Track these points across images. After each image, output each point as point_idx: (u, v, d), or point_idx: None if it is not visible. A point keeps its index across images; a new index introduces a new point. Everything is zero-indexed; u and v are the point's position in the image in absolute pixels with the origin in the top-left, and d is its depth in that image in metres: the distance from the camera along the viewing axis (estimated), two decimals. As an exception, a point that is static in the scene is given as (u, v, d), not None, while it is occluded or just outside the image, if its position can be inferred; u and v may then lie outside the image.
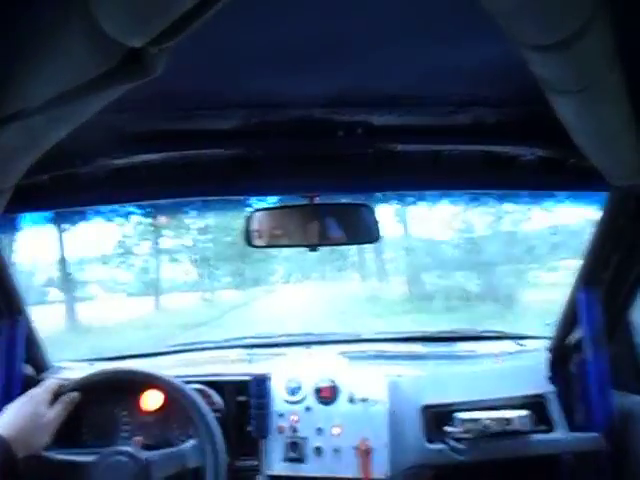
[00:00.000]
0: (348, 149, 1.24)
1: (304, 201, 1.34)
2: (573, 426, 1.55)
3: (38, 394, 1.33)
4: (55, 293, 12.40)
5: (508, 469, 1.54)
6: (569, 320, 1.57)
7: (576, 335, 1.56)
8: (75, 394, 1.39)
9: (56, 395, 1.36)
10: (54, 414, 1.32)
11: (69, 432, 1.51)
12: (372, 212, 1.35)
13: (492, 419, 1.49)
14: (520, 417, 1.50)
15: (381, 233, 1.38)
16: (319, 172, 1.26)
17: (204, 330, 9.39)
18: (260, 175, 1.27)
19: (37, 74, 0.57)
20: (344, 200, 1.41)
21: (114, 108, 0.69)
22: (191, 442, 1.41)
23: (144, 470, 1.34)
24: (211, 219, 11.69)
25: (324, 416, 1.60)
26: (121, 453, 1.36)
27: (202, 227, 12.84)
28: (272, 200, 1.47)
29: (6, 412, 1.30)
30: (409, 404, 1.59)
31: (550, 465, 1.56)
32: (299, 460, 1.55)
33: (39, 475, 1.34)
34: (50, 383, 1.39)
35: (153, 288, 13.31)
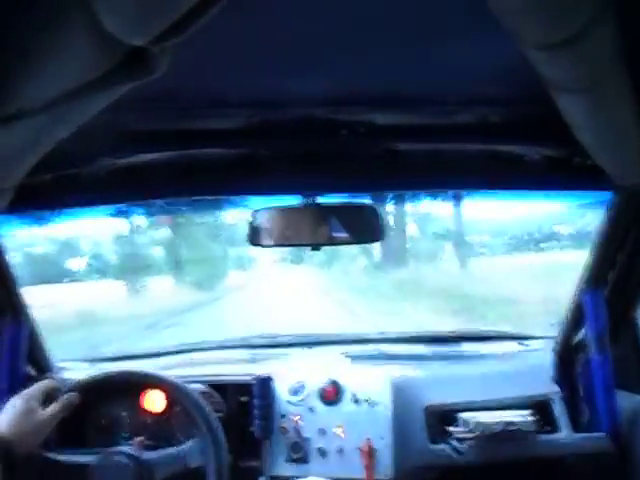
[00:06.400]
0: (351, 148, 1.23)
1: (307, 201, 1.34)
2: (578, 427, 1.54)
3: (30, 393, 1.32)
4: None
5: (512, 470, 1.53)
6: (574, 320, 1.56)
7: (581, 335, 1.55)
8: (74, 394, 1.37)
9: (50, 394, 1.35)
10: (49, 413, 1.30)
11: (71, 432, 1.51)
12: (376, 212, 1.34)
13: (496, 420, 1.48)
14: (524, 418, 1.49)
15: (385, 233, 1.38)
16: (322, 171, 1.26)
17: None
18: (262, 174, 1.27)
19: (38, 73, 0.57)
20: (347, 200, 1.40)
21: (116, 107, 0.68)
22: (192, 441, 1.41)
23: (144, 470, 1.34)
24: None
25: (327, 417, 1.59)
26: (121, 454, 1.35)
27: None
28: (274, 200, 1.46)
29: None
30: (412, 405, 1.59)
31: (554, 466, 1.56)
32: (302, 461, 1.55)
33: (38, 475, 1.33)
34: (43, 383, 1.37)
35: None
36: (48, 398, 1.34)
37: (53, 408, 1.32)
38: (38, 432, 1.28)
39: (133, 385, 1.54)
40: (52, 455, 1.36)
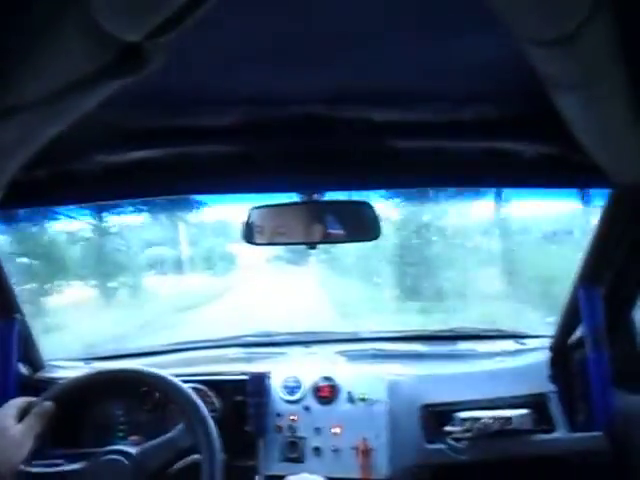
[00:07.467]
0: (349, 146, 1.22)
1: (304, 198, 1.33)
2: (574, 426, 1.54)
3: (4, 411, 1.28)
4: None
5: (508, 469, 1.53)
6: (570, 319, 1.56)
7: (578, 334, 1.55)
8: (49, 404, 1.34)
9: (24, 410, 1.31)
10: (25, 427, 1.27)
11: (66, 433, 1.50)
12: (372, 209, 1.34)
13: (492, 418, 1.48)
14: (520, 416, 1.49)
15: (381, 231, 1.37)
16: (319, 169, 1.25)
17: None
18: (259, 172, 1.26)
19: (32, 69, 0.56)
20: (344, 197, 1.39)
21: (112, 104, 0.68)
22: (181, 425, 1.39)
23: (137, 463, 1.33)
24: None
25: (323, 416, 1.59)
26: (114, 452, 1.34)
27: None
28: (271, 197, 1.46)
29: None
30: (409, 403, 1.58)
31: (551, 465, 1.56)
32: (298, 460, 1.54)
33: None
34: (16, 399, 1.34)
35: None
36: (23, 413, 1.31)
37: (28, 422, 1.29)
38: (18, 449, 1.25)
39: (120, 383, 1.53)
40: (41, 469, 1.35)
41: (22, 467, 1.28)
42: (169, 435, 1.39)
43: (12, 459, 1.24)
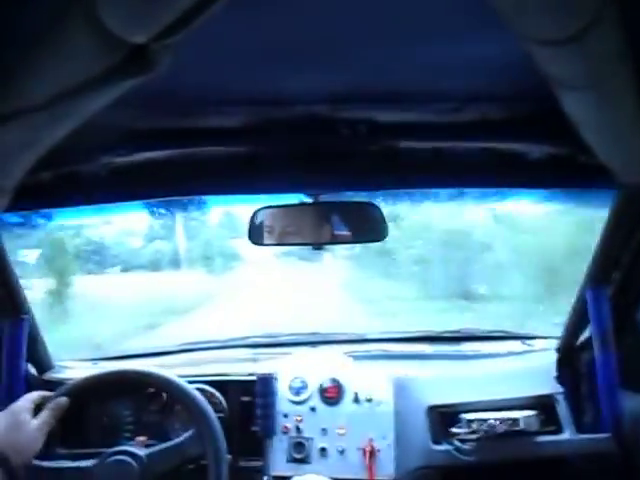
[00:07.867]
0: (352, 146, 1.22)
1: (308, 199, 1.33)
2: (581, 427, 1.54)
3: (19, 405, 1.31)
4: None
5: (515, 470, 1.52)
6: (578, 319, 1.55)
7: (585, 335, 1.55)
8: (63, 399, 1.36)
9: (39, 404, 1.34)
10: (40, 422, 1.29)
11: (73, 433, 1.51)
12: (378, 210, 1.33)
13: (499, 419, 1.48)
14: (527, 417, 1.49)
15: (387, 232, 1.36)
16: (323, 170, 1.25)
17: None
18: (263, 173, 1.26)
19: (39, 71, 0.56)
20: (349, 198, 1.39)
21: (118, 105, 0.68)
22: (190, 432, 1.40)
23: (145, 466, 1.34)
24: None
25: (329, 416, 1.59)
26: (121, 453, 1.35)
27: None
28: (276, 198, 1.46)
29: None
30: (415, 404, 1.58)
31: (558, 466, 1.55)
32: (304, 461, 1.55)
33: None
34: (31, 394, 1.36)
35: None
36: (38, 408, 1.33)
37: (43, 416, 1.31)
38: (32, 443, 1.27)
39: (129, 384, 1.53)
40: (52, 463, 1.36)
41: (35, 461, 1.29)
42: (178, 440, 1.40)
43: (26, 452, 1.26)
